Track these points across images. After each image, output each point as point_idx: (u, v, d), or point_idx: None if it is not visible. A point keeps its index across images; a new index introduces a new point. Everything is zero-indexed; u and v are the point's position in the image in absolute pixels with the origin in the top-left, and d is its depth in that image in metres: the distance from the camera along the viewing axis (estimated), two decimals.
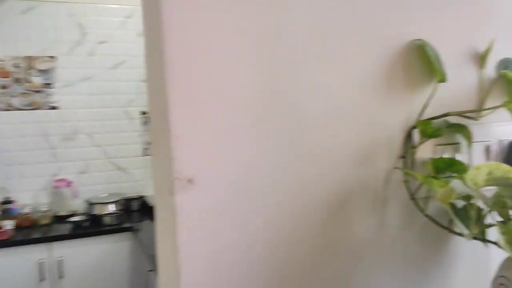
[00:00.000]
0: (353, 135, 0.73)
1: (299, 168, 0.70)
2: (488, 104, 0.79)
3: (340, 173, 0.72)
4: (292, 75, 0.69)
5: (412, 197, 0.74)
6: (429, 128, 0.71)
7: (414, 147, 0.75)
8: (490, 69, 0.81)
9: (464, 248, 0.81)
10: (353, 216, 0.74)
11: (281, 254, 0.70)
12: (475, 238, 0.67)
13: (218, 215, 0.66)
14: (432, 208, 0.77)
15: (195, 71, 0.64)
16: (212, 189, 0.65)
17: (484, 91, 0.80)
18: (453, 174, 0.70)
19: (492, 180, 0.61)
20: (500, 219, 0.67)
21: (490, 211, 0.67)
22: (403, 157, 0.75)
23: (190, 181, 0.64)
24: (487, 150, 0.80)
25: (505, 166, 0.59)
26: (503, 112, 0.77)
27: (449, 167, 0.68)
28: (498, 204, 0.68)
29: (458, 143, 0.78)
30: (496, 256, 0.71)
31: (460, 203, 0.71)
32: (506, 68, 0.81)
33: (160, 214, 0.71)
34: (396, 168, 0.74)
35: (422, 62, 0.76)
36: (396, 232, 0.76)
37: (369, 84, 0.73)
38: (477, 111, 0.76)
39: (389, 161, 0.75)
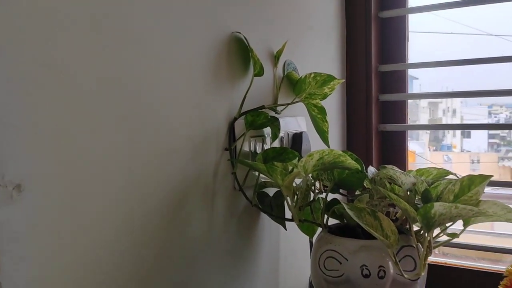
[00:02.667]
0: (186, 127, 0.68)
1: (140, 164, 0.60)
2: (281, 100, 0.88)
3: (177, 168, 0.66)
4: (130, 61, 0.59)
5: (240, 188, 0.75)
6: (259, 119, 0.73)
7: (236, 139, 0.75)
8: (280, 68, 0.89)
9: (265, 227, 0.86)
10: (189, 213, 0.68)
11: (126, 268, 0.58)
12: (300, 221, 0.73)
13: (55, 231, 0.49)
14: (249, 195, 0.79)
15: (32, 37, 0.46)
16: (47, 197, 0.48)
17: (277, 87, 0.88)
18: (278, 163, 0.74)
19: (321, 165, 0.68)
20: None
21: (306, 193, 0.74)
22: (226, 149, 0.75)
23: (17, 187, 0.46)
24: (281, 141, 0.88)
25: (337, 152, 0.67)
26: (291, 107, 0.86)
27: (279, 156, 0.72)
28: (308, 187, 0.76)
29: (264, 135, 0.83)
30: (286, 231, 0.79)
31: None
32: (288, 68, 0.92)
33: None
34: (229, 160, 0.73)
35: (240, 55, 0.77)
36: (222, 224, 0.75)
37: (200, 74, 0.70)
38: (284, 105, 0.83)
39: (217, 153, 0.73)
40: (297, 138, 0.91)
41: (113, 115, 0.56)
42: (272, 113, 0.82)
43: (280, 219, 0.78)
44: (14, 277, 0.45)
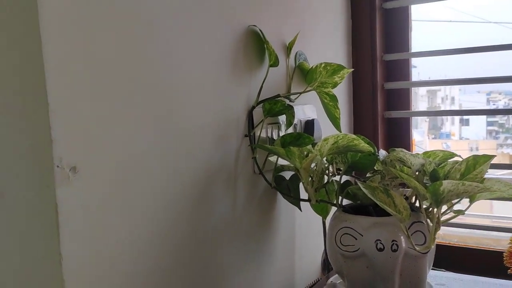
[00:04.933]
0: (211, 115, 0.73)
1: (173, 152, 0.65)
2: (293, 89, 0.92)
3: (204, 154, 0.71)
4: (157, 54, 0.63)
5: (260, 172, 0.80)
6: (276, 107, 0.78)
7: (255, 126, 0.80)
8: (292, 59, 0.94)
9: (282, 208, 0.92)
10: (214, 197, 0.74)
11: (161, 246, 0.63)
12: (316, 201, 0.78)
13: (104, 210, 0.55)
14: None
15: (74, 32, 0.51)
16: (97, 179, 0.54)
17: (289, 77, 0.93)
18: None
19: (335, 148, 0.73)
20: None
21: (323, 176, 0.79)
22: (246, 135, 0.80)
23: (73, 169, 0.51)
24: (295, 127, 0.93)
25: (351, 136, 0.72)
26: (302, 95, 0.91)
27: (295, 141, 0.77)
28: (323, 170, 0.81)
29: (279, 123, 0.88)
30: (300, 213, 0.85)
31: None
32: (300, 59, 0.96)
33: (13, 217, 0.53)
34: (250, 145, 0.78)
35: (257, 47, 0.82)
36: (243, 206, 0.80)
37: (221, 66, 0.75)
38: (298, 94, 0.88)
39: (237, 140, 0.78)
40: (309, 125, 0.96)
41: (149, 110, 0.61)
42: (286, 101, 0.87)
43: (296, 200, 0.83)
44: (71, 249, 0.50)
